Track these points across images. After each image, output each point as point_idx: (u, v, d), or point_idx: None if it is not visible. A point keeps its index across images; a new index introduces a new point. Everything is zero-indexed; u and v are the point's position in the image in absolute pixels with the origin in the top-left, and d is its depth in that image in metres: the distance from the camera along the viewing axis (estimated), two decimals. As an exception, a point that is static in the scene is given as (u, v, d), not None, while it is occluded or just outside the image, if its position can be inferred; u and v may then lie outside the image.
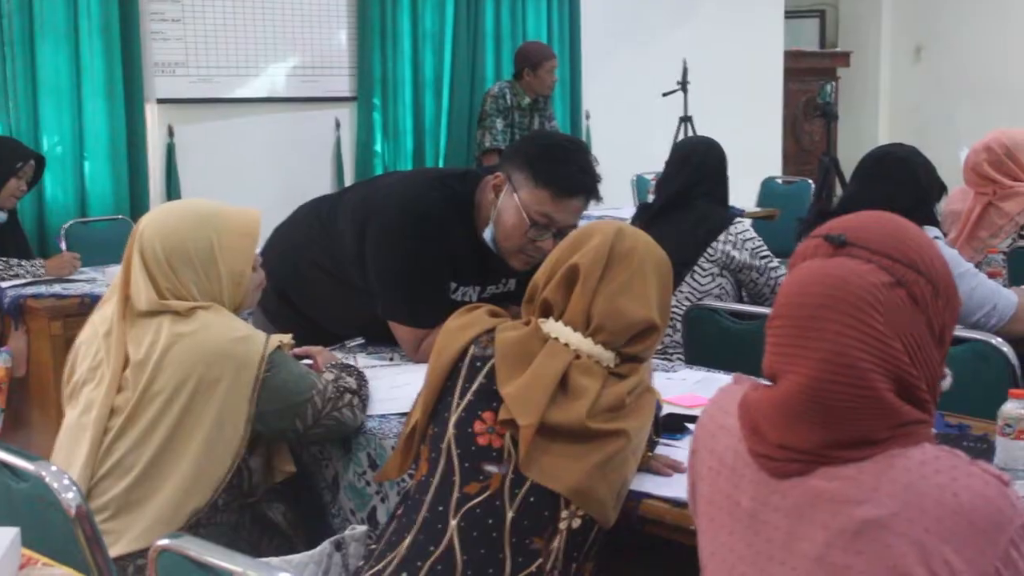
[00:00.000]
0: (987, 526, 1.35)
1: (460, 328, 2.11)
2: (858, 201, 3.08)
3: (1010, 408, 2.08)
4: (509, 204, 2.81)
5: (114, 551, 2.23)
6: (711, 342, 3.41)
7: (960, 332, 2.94)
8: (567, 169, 2.78)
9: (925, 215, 3.20)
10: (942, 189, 3.39)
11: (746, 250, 3.66)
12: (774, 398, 1.47)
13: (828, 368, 1.41)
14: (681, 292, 3.63)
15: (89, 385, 2.42)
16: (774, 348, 1.49)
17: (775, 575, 1.46)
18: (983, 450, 2.19)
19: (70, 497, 1.97)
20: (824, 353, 1.41)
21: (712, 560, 1.58)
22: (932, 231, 3.21)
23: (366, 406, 2.55)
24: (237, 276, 2.46)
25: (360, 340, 3.16)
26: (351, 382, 2.55)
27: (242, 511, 2.49)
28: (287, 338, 2.51)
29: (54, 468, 2.02)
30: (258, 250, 2.55)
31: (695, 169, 3.83)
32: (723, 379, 2.80)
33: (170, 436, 2.33)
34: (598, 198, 2.88)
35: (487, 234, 2.88)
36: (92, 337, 2.47)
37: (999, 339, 2.84)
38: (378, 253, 2.93)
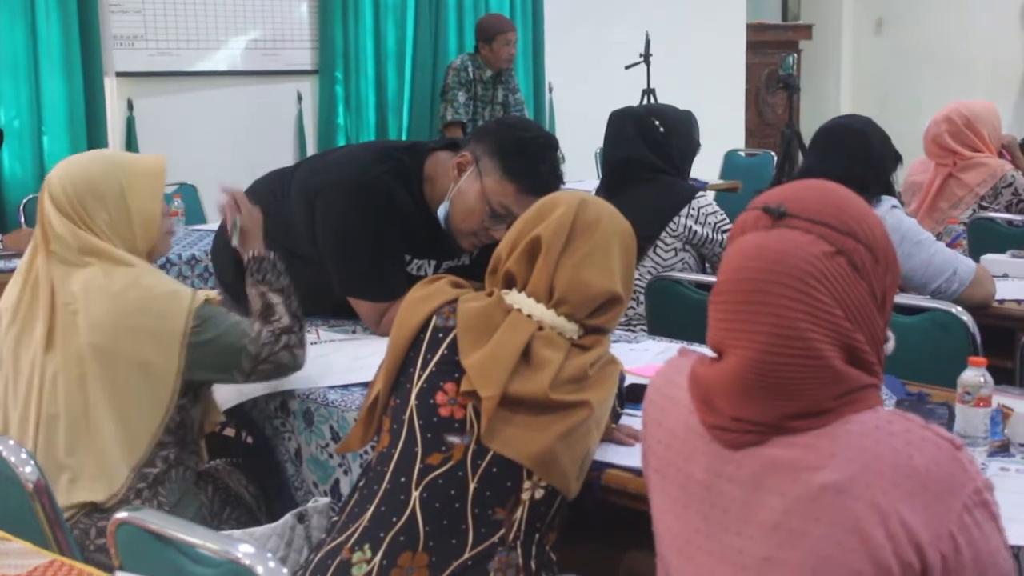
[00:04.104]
0: (940, 490, 1.36)
1: (422, 299, 2.10)
2: (814, 173, 3.08)
3: (969, 376, 2.11)
4: (472, 187, 2.80)
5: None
6: (674, 313, 3.41)
7: (920, 301, 2.97)
8: (538, 168, 2.78)
9: (882, 185, 3.24)
10: (898, 159, 3.41)
11: (708, 224, 3.66)
12: (726, 374, 1.46)
13: (776, 342, 1.40)
14: (644, 267, 3.62)
15: (22, 343, 2.39)
16: (719, 323, 1.49)
17: (732, 545, 1.47)
18: (944, 418, 2.21)
19: (28, 472, 1.96)
20: (771, 327, 1.41)
21: (668, 533, 1.57)
22: (890, 200, 3.24)
23: (304, 343, 2.51)
24: (147, 216, 2.45)
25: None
26: (284, 319, 2.49)
27: (204, 481, 2.48)
28: (213, 294, 2.51)
29: (11, 442, 2.01)
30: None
31: (628, 149, 3.86)
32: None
33: (96, 390, 2.30)
34: None
35: (441, 211, 2.86)
36: (16, 301, 2.43)
37: (959, 308, 2.86)
38: (329, 230, 2.90)
